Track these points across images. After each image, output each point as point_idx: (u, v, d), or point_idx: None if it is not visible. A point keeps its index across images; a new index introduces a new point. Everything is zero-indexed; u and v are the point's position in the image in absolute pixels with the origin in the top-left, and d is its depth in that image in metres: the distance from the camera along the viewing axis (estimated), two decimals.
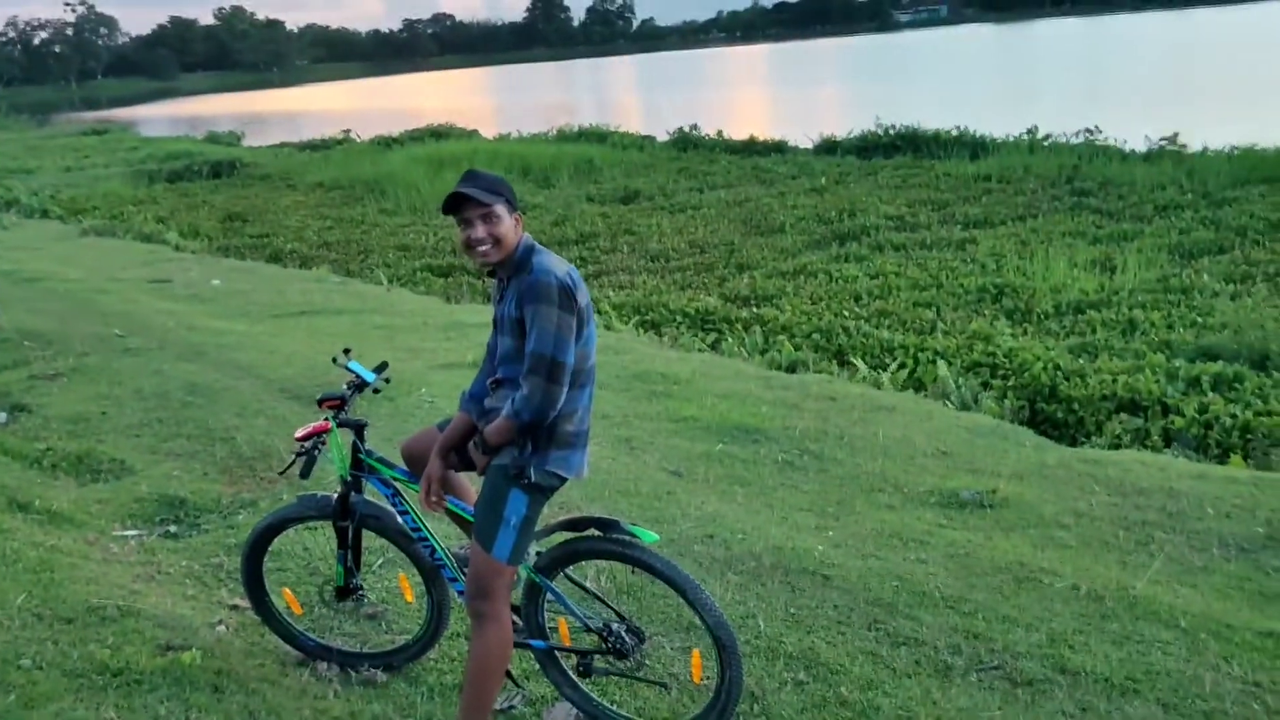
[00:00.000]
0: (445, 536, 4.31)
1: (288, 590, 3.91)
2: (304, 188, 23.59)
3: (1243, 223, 12.91)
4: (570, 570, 3.36)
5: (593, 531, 3.20)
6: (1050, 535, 4.89)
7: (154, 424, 6.76)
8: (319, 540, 4.77)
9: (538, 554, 3.32)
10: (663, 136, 27.89)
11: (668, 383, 7.73)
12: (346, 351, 3.60)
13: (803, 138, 24.92)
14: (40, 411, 7.02)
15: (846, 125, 24.55)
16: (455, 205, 3.04)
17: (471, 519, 3.28)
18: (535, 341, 2.89)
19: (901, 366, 8.66)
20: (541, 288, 2.91)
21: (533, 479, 3.03)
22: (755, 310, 10.99)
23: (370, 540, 4.28)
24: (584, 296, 3.01)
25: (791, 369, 8.83)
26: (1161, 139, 18.45)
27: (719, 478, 5.77)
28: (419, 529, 3.49)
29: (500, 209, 3.03)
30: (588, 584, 3.52)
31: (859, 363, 8.75)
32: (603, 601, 3.40)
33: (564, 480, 3.11)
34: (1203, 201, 14.53)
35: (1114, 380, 7.83)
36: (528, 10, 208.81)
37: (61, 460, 5.93)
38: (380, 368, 3.66)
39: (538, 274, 2.95)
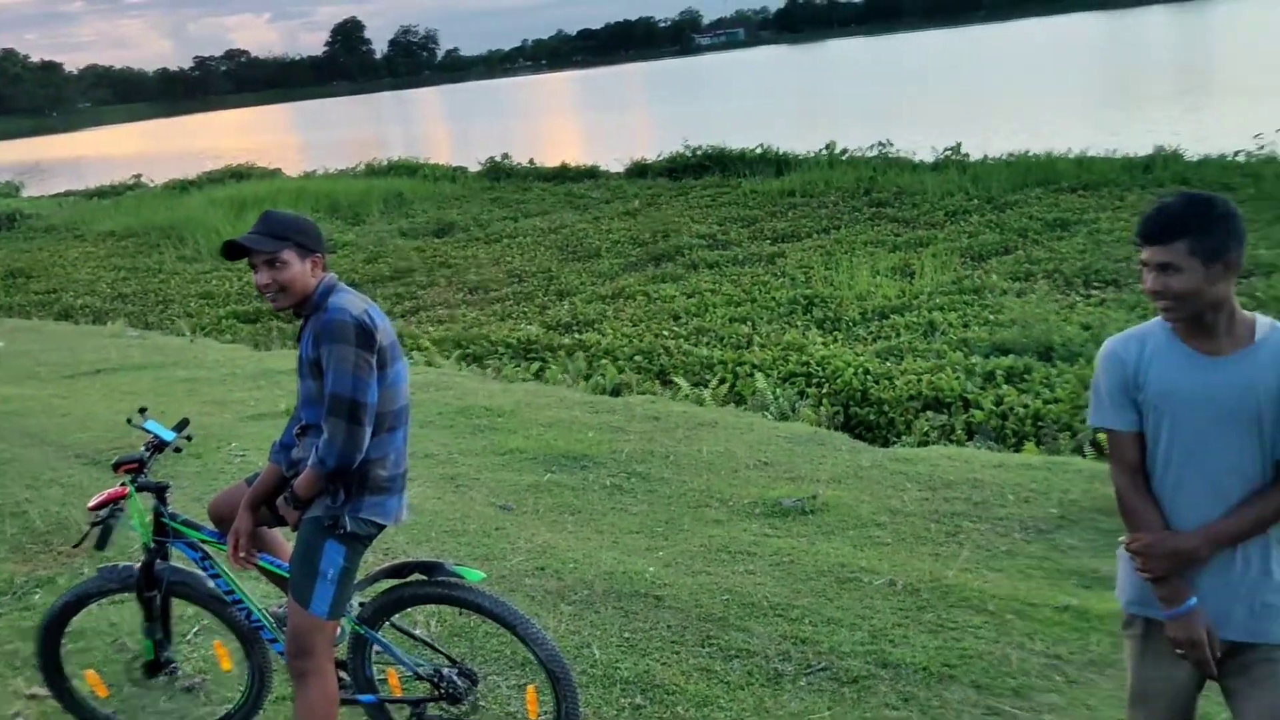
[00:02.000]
0: (264, 596, 4.14)
1: (91, 672, 3.65)
2: (93, 238, 22.27)
3: (1023, 224, 13.84)
4: (397, 618, 3.28)
5: (417, 576, 3.13)
6: (868, 535, 5.09)
7: None
8: (126, 614, 4.48)
9: (360, 605, 3.23)
10: (474, 167, 27.75)
11: (492, 415, 7.66)
12: (142, 411, 3.41)
13: (614, 162, 25.26)
14: None
15: (656, 148, 25.03)
16: (239, 250, 2.94)
17: (287, 575, 3.15)
18: (333, 382, 2.82)
19: (721, 382, 8.86)
20: (336, 326, 2.84)
21: (348, 529, 2.94)
22: (577, 336, 11.04)
23: (183, 608, 4.06)
24: (386, 335, 2.95)
25: (616, 392, 8.90)
26: (946, 149, 19.60)
27: (548, 508, 5.74)
28: (232, 591, 3.34)
29: (288, 254, 2.94)
30: (416, 630, 3.43)
31: (681, 381, 8.90)
32: (431, 647, 3.33)
33: (381, 528, 3.04)
34: (987, 206, 15.50)
35: (919, 380, 8.24)
36: (327, 44, 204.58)
37: None
38: (180, 425, 3.48)
39: (332, 313, 2.88)
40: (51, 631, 3.46)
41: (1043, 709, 3.44)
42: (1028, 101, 32.21)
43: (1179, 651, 2.37)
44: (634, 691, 3.72)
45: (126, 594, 3.48)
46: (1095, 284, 10.93)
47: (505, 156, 27.21)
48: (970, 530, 5.08)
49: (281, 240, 2.94)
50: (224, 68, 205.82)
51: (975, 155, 19.23)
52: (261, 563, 3.19)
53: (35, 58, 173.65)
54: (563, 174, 25.11)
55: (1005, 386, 7.94)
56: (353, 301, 2.94)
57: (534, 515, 5.63)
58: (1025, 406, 7.42)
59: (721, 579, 4.62)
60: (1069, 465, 5.98)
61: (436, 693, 3.25)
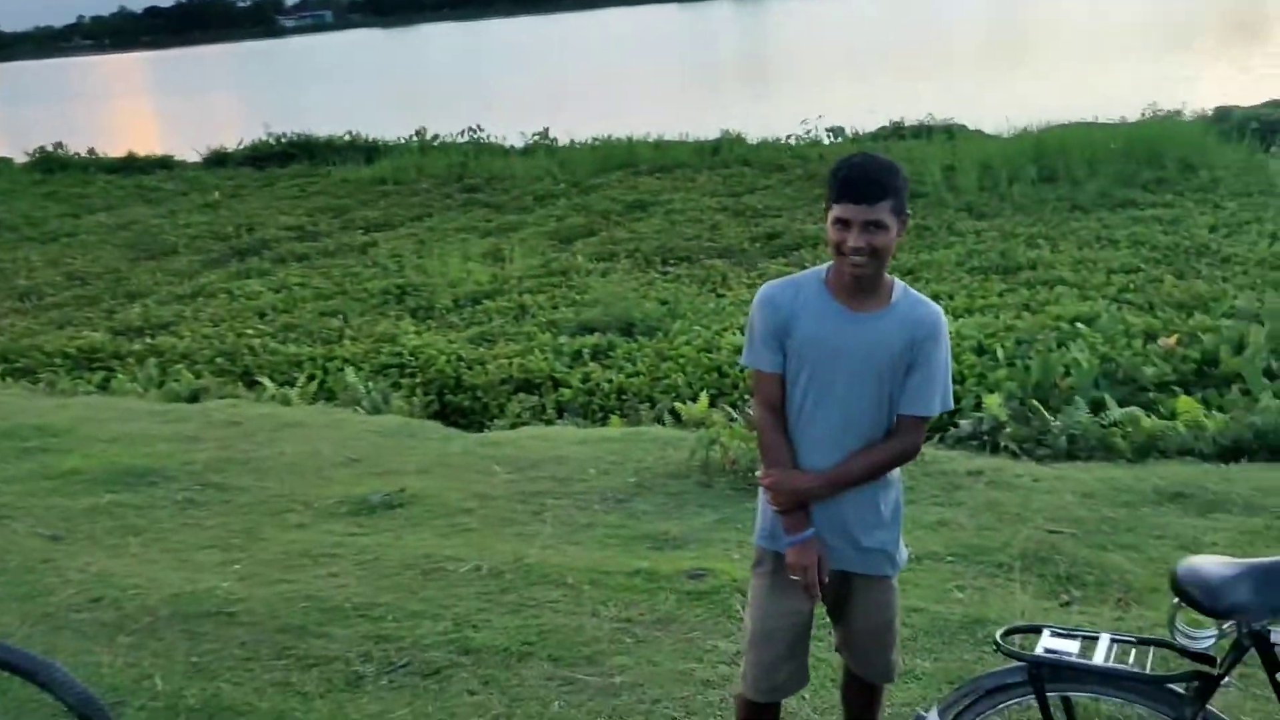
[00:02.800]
0: None
1: None
2: None
3: (606, 206, 14.53)
4: None
5: None
6: (455, 523, 5.10)
7: None
8: None
9: None
10: (21, 158, 24.61)
11: (44, 435, 6.85)
12: None
13: (190, 151, 23.46)
14: None
15: (237, 136, 23.54)
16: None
17: None
18: None
19: (310, 379, 8.52)
20: None
21: None
22: (150, 341, 10.15)
23: None
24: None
25: (194, 398, 8.27)
26: (535, 134, 20.12)
27: (107, 531, 5.22)
28: None
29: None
30: None
31: (266, 381, 8.45)
32: None
33: None
34: (574, 190, 16.11)
35: (510, 363, 8.40)
36: None
37: None
38: None
39: None
40: None
41: (613, 671, 3.61)
42: (611, 88, 33.91)
43: (794, 578, 2.58)
44: (199, 718, 3.47)
45: None
46: (671, 261, 11.71)
47: (59, 146, 24.37)
48: (554, 507, 5.24)
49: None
50: None
51: (563, 140, 19.90)
52: None
53: None
54: (131, 164, 22.92)
55: (591, 364, 8.30)
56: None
57: (89, 541, 5.09)
58: (609, 381, 7.79)
59: (302, 586, 4.43)
60: (645, 435, 6.35)
61: None
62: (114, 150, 24.29)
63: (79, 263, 14.32)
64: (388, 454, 6.26)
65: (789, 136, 18.31)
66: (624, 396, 7.67)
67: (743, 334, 2.96)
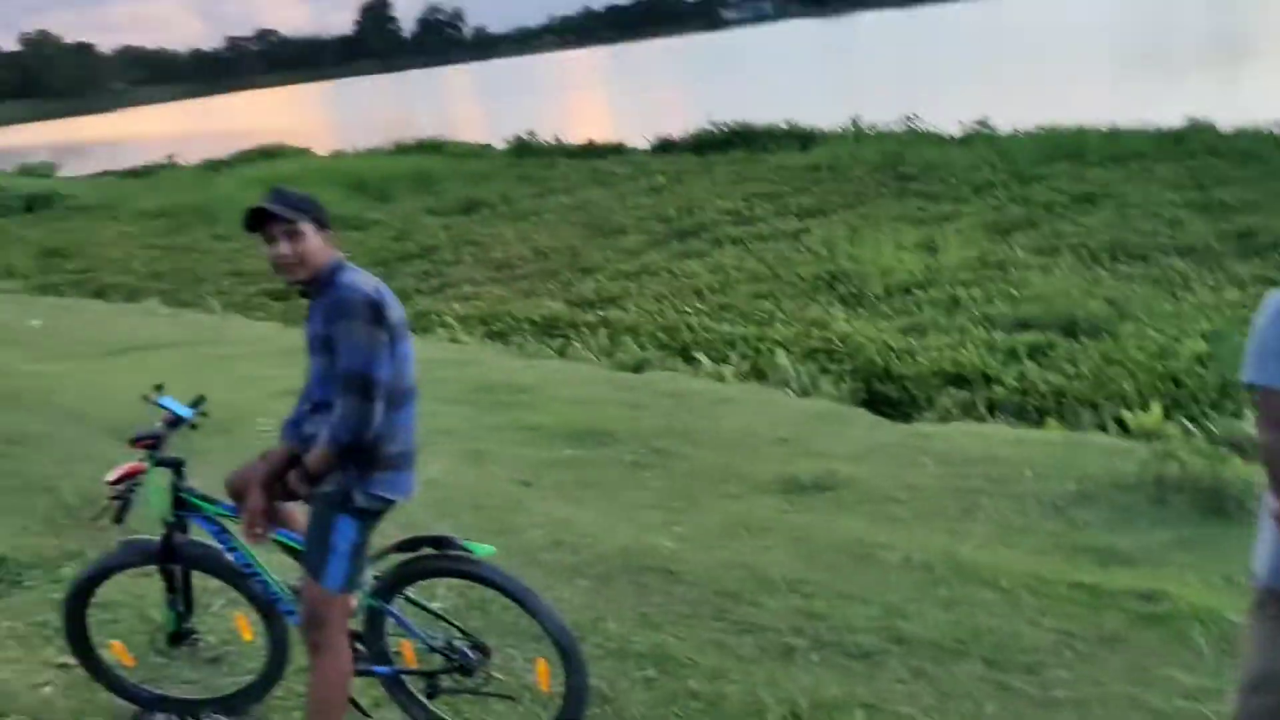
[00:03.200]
0: (289, 569, 4.21)
1: (117, 642, 3.74)
2: (128, 217, 22.53)
3: (1049, 198, 13.70)
4: (412, 591, 3.33)
5: (427, 550, 3.18)
6: (885, 511, 5.10)
7: None
8: (151, 586, 4.57)
9: (375, 579, 3.28)
10: (500, 144, 27.76)
11: (515, 392, 7.72)
12: (158, 388, 3.48)
13: (640, 138, 25.20)
14: None
15: (682, 124, 24.93)
16: (258, 221, 2.98)
17: (302, 549, 3.21)
18: (345, 359, 2.86)
19: (743, 358, 8.87)
20: (347, 304, 2.88)
21: (359, 504, 2.99)
22: (600, 313, 11.08)
23: (209, 581, 4.14)
24: (395, 312, 2.99)
25: (638, 369, 8.93)
26: (974, 122, 19.38)
27: (567, 483, 5.79)
28: (250, 565, 3.40)
29: (305, 226, 2.98)
30: (432, 604, 3.49)
31: (702, 357, 8.92)
32: (445, 620, 3.38)
33: (391, 503, 3.08)
34: (1014, 180, 15.34)
35: (941, 356, 8.22)
36: (356, 22, 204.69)
37: None
38: (196, 402, 3.54)
39: (342, 290, 2.92)
40: (77, 603, 3.54)
41: (1052, 684, 3.45)
42: (1055, 74, 31.75)
43: None
44: (647, 664, 3.76)
45: (149, 567, 3.56)
46: (1121, 258, 10.81)
47: (531, 134, 27.20)
48: (987, 506, 5.08)
49: (300, 211, 2.98)
50: (255, 47, 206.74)
51: (1003, 129, 19.00)
52: (277, 537, 3.25)
53: (69, 39, 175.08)
54: (589, 151, 25.07)
55: (1028, 362, 7.91)
56: (363, 279, 2.98)
57: (553, 490, 5.68)
58: (1048, 382, 7.39)
59: (738, 554, 4.65)
60: (1089, 442, 5.96)
61: (450, 665, 3.30)
62: (575, 138, 26.66)
63: (542, 239, 15.90)
64: (818, 436, 6.38)
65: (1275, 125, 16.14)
66: (1062, 399, 7.24)
67: (1206, 341, 2.68)
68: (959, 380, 7.90)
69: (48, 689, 3.82)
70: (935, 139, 19.24)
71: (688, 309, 10.80)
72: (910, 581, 4.25)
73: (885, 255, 11.64)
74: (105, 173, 34.96)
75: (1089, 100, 21.92)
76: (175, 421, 3.43)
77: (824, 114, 23.11)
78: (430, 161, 25.14)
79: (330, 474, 2.99)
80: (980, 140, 18.34)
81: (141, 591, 4.55)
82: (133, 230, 20.84)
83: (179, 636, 3.59)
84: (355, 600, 3.22)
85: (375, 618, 3.33)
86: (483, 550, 3.12)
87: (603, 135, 26.57)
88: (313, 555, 3.02)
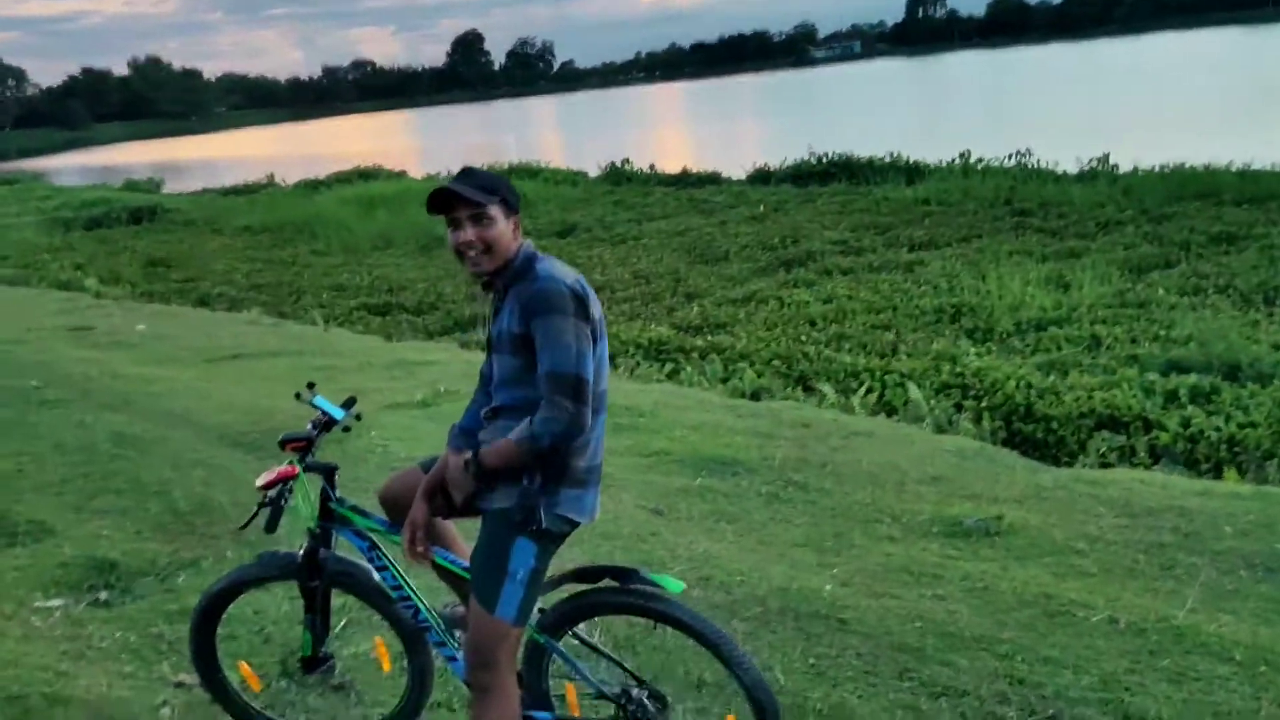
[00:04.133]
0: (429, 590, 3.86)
1: (244, 664, 3.41)
2: (230, 232, 22.82)
3: (1185, 237, 12.98)
4: (581, 628, 2.93)
5: (608, 582, 2.78)
6: (1069, 563, 4.57)
7: (78, 480, 6.16)
8: (269, 601, 4.25)
9: (541, 611, 2.89)
10: (594, 171, 27.66)
11: (633, 415, 7.33)
12: (311, 386, 3.14)
13: (736, 168, 24.87)
14: None
15: (777, 155, 24.54)
16: (443, 203, 2.63)
17: (464, 573, 2.84)
18: (551, 359, 2.48)
19: (869, 390, 8.37)
20: (552, 296, 2.51)
21: (542, 525, 2.60)
22: (709, 338, 10.67)
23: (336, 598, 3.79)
24: (596, 308, 2.62)
25: (755, 396, 8.50)
26: (1092, 159, 18.66)
27: (703, 514, 5.37)
28: (400, 586, 3.04)
29: (495, 210, 2.63)
30: (600, 643, 3.08)
31: (825, 388, 8.44)
32: (619, 665, 2.97)
33: (575, 525, 2.70)
34: (1142, 218, 14.64)
35: (1089, 396, 7.63)
36: (448, 54, 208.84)
37: None
38: (348, 403, 3.20)
39: (545, 281, 2.54)
40: (207, 618, 3.22)
41: None
42: (1170, 114, 30.71)
43: None
44: None
45: (283, 582, 3.22)
46: (1278, 302, 10.08)
47: (626, 161, 27.06)
48: (1185, 564, 4.52)
49: (490, 194, 2.63)
50: (350, 76, 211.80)
51: (1124, 167, 18.25)
52: (437, 559, 2.88)
53: (178, 65, 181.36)
54: (684, 179, 24.82)
55: (1190, 407, 7.28)
56: (562, 269, 2.62)
57: (688, 521, 5.26)
58: (1218, 430, 6.76)
59: (909, 603, 4.17)
60: None
61: (622, 714, 2.89)
62: (669, 167, 26.43)
63: (643, 263, 15.58)
64: (970, 477, 5.87)
65: None
66: (1237, 448, 6.60)
67: None
68: (1112, 423, 7.31)
69: (165, 710, 3.51)
70: (1051, 175, 18.56)
71: (802, 338, 10.33)
72: (1121, 647, 3.72)
73: (1012, 290, 11.05)
74: (206, 190, 35.69)
75: (1207, 141, 21.06)
76: (327, 424, 3.10)
77: (924, 149, 22.55)
78: (525, 185, 25.05)
79: (504, 484, 2.61)
80: (1102, 177, 17.61)
81: (260, 607, 4.23)
82: (234, 244, 21.06)
83: (314, 662, 3.24)
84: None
85: (537, 655, 2.93)
86: (674, 586, 2.71)
87: (696, 165, 26.29)
88: (485, 582, 2.64)
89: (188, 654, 3.89)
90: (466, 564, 2.87)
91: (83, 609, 4.43)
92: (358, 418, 3.17)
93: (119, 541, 5.11)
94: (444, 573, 2.95)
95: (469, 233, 2.61)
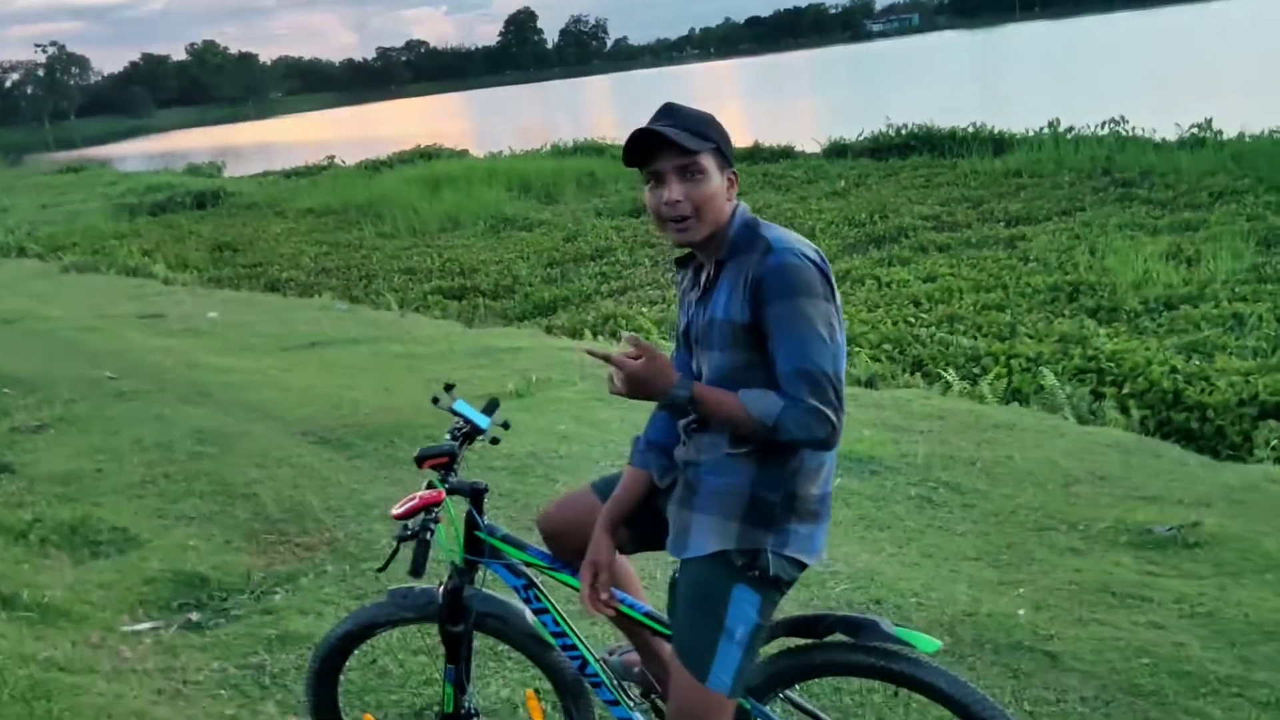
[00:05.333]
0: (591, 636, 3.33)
1: (370, 716, 2.90)
2: (293, 214, 22.53)
3: None
4: (795, 689, 2.38)
5: (838, 637, 2.21)
6: None
7: (159, 480, 5.75)
8: (395, 642, 3.74)
9: None
10: None
11: None
12: (449, 388, 2.61)
13: (809, 142, 24.03)
14: (24, 471, 5.99)
15: (850, 129, 23.65)
16: (644, 151, 2.07)
17: (659, 626, 2.30)
18: (801, 353, 1.91)
19: (997, 377, 7.70)
20: (796, 273, 1.94)
21: (769, 571, 2.04)
22: None
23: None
24: (836, 288, 2.04)
25: (870, 384, 7.87)
26: (1194, 125, 17.62)
27: (850, 521, 4.78)
28: (564, 633, 2.50)
29: (708, 160, 2.06)
30: (817, 710, 2.50)
31: (949, 374, 7.78)
32: None
33: (803, 569, 2.13)
34: (1260, 186, 13.67)
35: (1247, 382, 6.90)
36: (501, 34, 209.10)
37: (52, 532, 4.91)
38: (490, 408, 2.66)
39: (782, 254, 1.96)
40: (330, 665, 2.71)
41: None
42: (1270, 77, 29.23)
43: None
44: None
45: (420, 624, 2.70)
46: None
47: None
48: None
49: (703, 139, 2.06)
50: (404, 58, 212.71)
51: (1229, 133, 17.19)
52: (623, 608, 2.33)
53: (233, 49, 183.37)
54: (755, 154, 24.02)
55: None
56: (799, 238, 2.04)
57: (837, 529, 4.67)
58: None
59: (1123, 633, 3.56)
60: None
61: None
62: (738, 142, 25.52)
63: None
64: (1141, 475, 5.21)
65: None
66: None
67: None
68: (1278, 412, 6.57)
69: None
70: (1150, 143, 17.55)
71: (909, 319, 9.65)
72: None
73: (1133, 266, 10.25)
74: (267, 172, 35.57)
75: None
76: (469, 434, 2.56)
77: (1008, 119, 21.56)
78: (592, 163, 24.46)
79: (716, 440, 2.01)
80: (1209, 144, 16.59)
81: (387, 647, 3.73)
82: (299, 227, 20.75)
83: (454, 718, 2.71)
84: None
85: None
86: (928, 646, 2.13)
87: (766, 139, 25.48)
88: (693, 643, 2.08)
89: (296, 691, 3.42)
90: (657, 613, 2.33)
91: (174, 633, 3.98)
92: (505, 426, 2.62)
93: (208, 553, 4.67)
94: (627, 623, 2.41)
95: (675, 189, 2.04)
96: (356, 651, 3.41)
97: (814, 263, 1.97)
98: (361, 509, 5.11)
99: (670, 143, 2.02)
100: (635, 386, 1.97)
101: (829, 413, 1.88)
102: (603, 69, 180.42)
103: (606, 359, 2.02)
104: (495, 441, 2.57)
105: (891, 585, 4.01)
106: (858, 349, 8.60)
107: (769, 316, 1.94)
